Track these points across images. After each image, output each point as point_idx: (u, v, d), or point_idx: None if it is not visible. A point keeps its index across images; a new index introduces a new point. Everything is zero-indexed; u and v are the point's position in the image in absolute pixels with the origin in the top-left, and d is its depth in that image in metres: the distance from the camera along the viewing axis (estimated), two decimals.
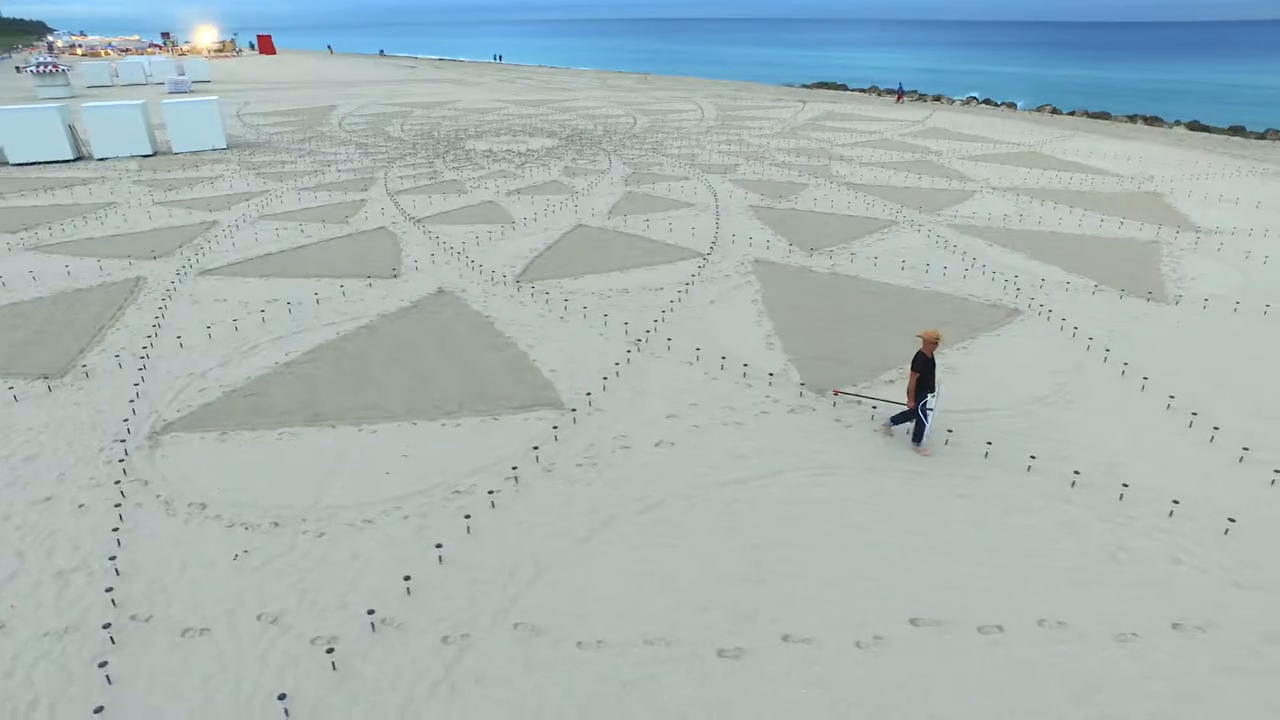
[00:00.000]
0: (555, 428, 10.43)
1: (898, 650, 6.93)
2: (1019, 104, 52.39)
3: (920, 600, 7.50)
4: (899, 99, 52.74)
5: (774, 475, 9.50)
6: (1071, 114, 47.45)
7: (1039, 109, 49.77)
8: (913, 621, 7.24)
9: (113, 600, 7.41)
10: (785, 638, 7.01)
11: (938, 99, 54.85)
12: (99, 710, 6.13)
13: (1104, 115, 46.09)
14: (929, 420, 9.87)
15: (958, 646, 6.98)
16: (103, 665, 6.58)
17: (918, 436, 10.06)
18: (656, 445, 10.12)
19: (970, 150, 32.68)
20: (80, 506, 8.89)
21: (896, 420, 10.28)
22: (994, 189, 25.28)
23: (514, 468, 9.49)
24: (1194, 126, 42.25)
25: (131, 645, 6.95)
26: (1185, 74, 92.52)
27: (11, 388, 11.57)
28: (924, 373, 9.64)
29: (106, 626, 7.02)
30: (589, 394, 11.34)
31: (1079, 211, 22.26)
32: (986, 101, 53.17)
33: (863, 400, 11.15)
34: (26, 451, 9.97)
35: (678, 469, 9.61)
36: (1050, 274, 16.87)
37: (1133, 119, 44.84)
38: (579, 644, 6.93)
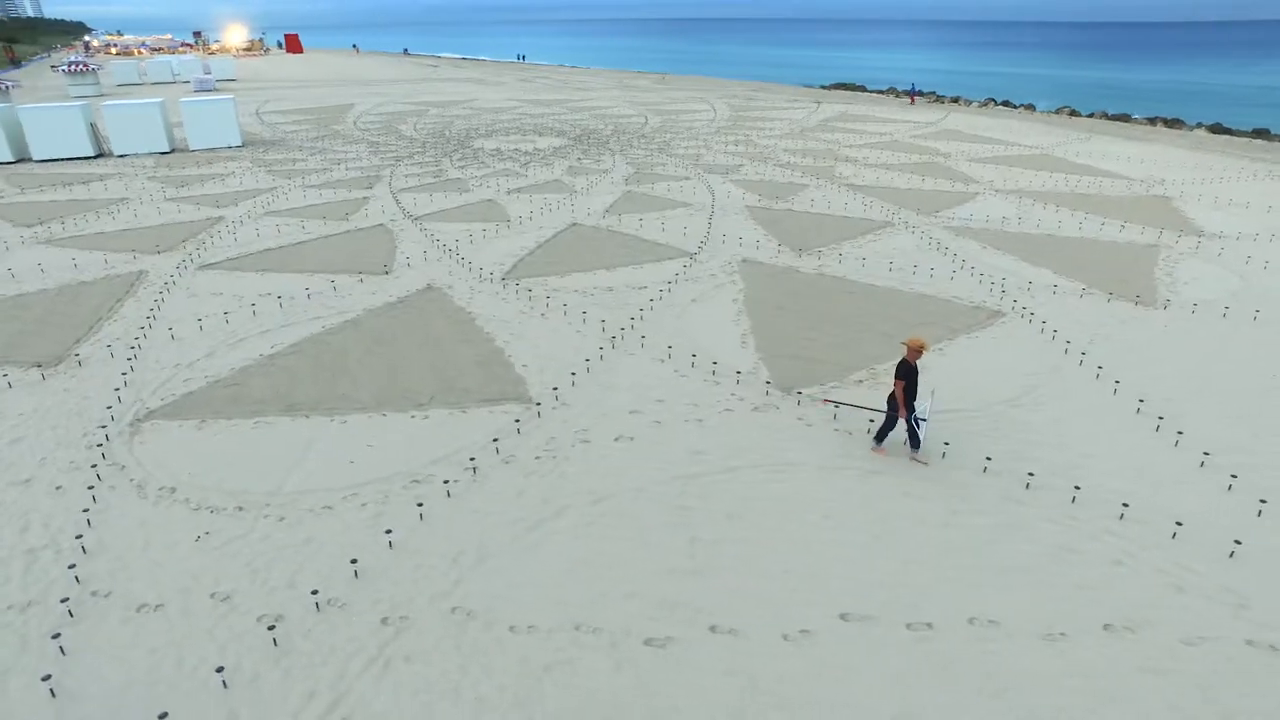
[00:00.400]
0: (517, 421, 10.68)
1: (823, 644, 7.06)
2: (1038, 106, 51.72)
3: (853, 596, 7.61)
4: (912, 100, 52.35)
5: (728, 471, 9.65)
6: (1091, 116, 46.79)
7: (1058, 111, 49.09)
8: (842, 616, 7.36)
9: (76, 577, 7.78)
10: (712, 628, 7.17)
11: (955, 100, 54.34)
12: (46, 678, 6.48)
13: (1124, 117, 45.39)
14: (923, 430, 9.78)
15: (884, 642, 7.09)
16: (56, 637, 6.93)
17: (914, 443, 9.91)
18: (616, 440, 10.31)
19: (980, 152, 32.41)
20: (58, 488, 9.30)
21: (880, 436, 10.10)
22: (997, 191, 25.09)
23: (471, 458, 9.75)
24: (1215, 129, 41.46)
25: (89, 619, 7.30)
26: (1210, 75, 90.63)
27: (5, 375, 12.08)
28: (909, 381, 9.57)
29: (64, 600, 7.38)
30: (555, 389, 11.57)
31: (1080, 214, 22.04)
32: (1005, 103, 52.55)
33: (839, 406, 11.10)
34: (13, 435, 10.44)
35: (634, 463, 9.79)
36: (1039, 277, 16.77)
37: (1153, 121, 44.11)
38: (510, 628, 7.16)
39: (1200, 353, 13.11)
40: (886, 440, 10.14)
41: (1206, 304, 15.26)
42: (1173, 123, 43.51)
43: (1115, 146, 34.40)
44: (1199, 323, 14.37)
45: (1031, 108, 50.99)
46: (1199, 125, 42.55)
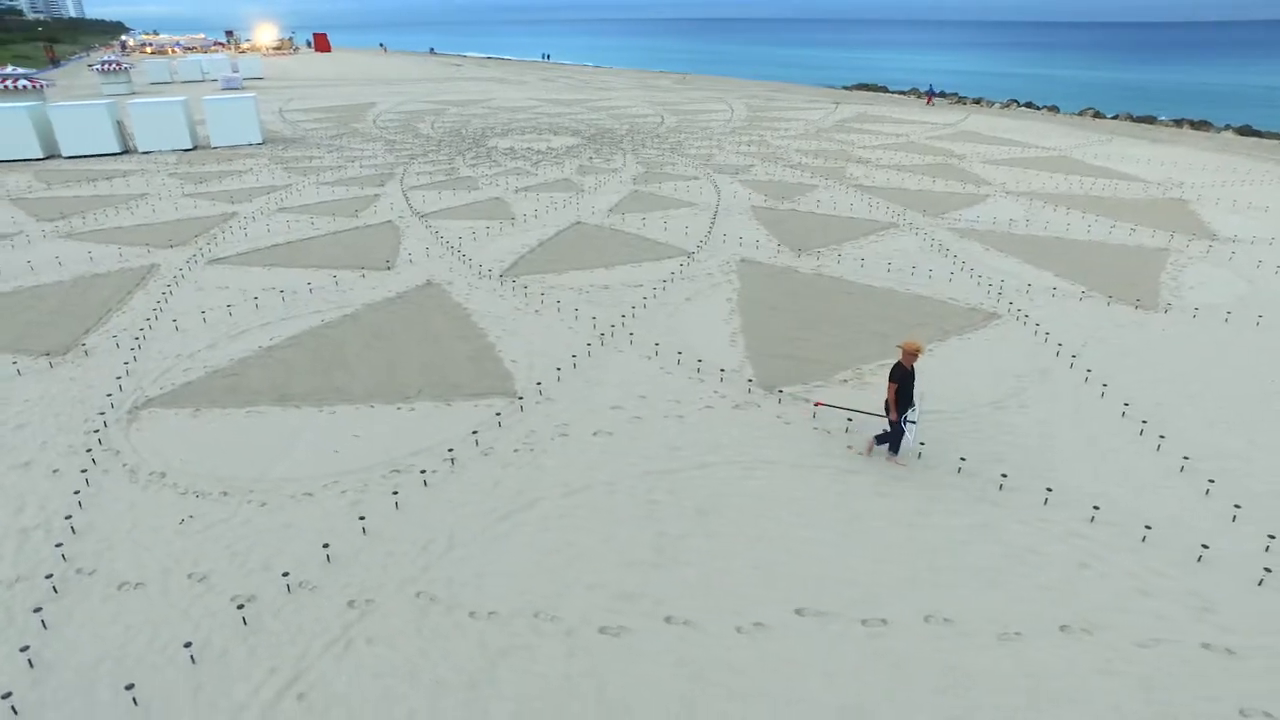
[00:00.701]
0: (499, 414, 10.87)
1: (776, 637, 7.15)
2: (1062, 107, 50.92)
3: (811, 591, 7.69)
4: (929, 101, 51.88)
5: (702, 468, 9.75)
6: (1115, 118, 46.03)
7: (1081, 113, 48.35)
8: (798, 611, 7.44)
9: (63, 555, 8.11)
10: (667, 619, 7.30)
11: (977, 102, 53.73)
12: (24, 649, 6.79)
13: (1149, 119, 44.60)
14: (910, 433, 9.63)
15: (837, 636, 7.16)
16: (37, 610, 7.25)
17: (894, 447, 9.89)
18: (595, 434, 10.47)
19: (996, 154, 32.07)
20: (55, 471, 9.67)
21: (882, 439, 9.92)
22: (1009, 193, 24.85)
23: (450, 449, 9.96)
24: (1244, 131, 40.62)
25: (72, 595, 7.62)
26: (1243, 76, 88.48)
27: (15, 363, 12.55)
28: (903, 384, 9.42)
29: (49, 577, 7.71)
30: (539, 383, 11.76)
31: (1091, 217, 21.77)
32: (1028, 105, 51.86)
33: (818, 408, 11.11)
34: (18, 420, 10.86)
35: (610, 458, 9.94)
36: (1040, 279, 16.64)
37: (1179, 123, 43.31)
38: (471, 613, 7.35)
39: (1196, 357, 12.95)
40: (903, 451, 9.86)
41: (1209, 308, 15.04)
42: (1199, 124, 42.71)
43: (1136, 149, 33.85)
44: (1199, 327, 14.18)
45: (1055, 109, 50.25)
46: (1227, 127, 41.69)
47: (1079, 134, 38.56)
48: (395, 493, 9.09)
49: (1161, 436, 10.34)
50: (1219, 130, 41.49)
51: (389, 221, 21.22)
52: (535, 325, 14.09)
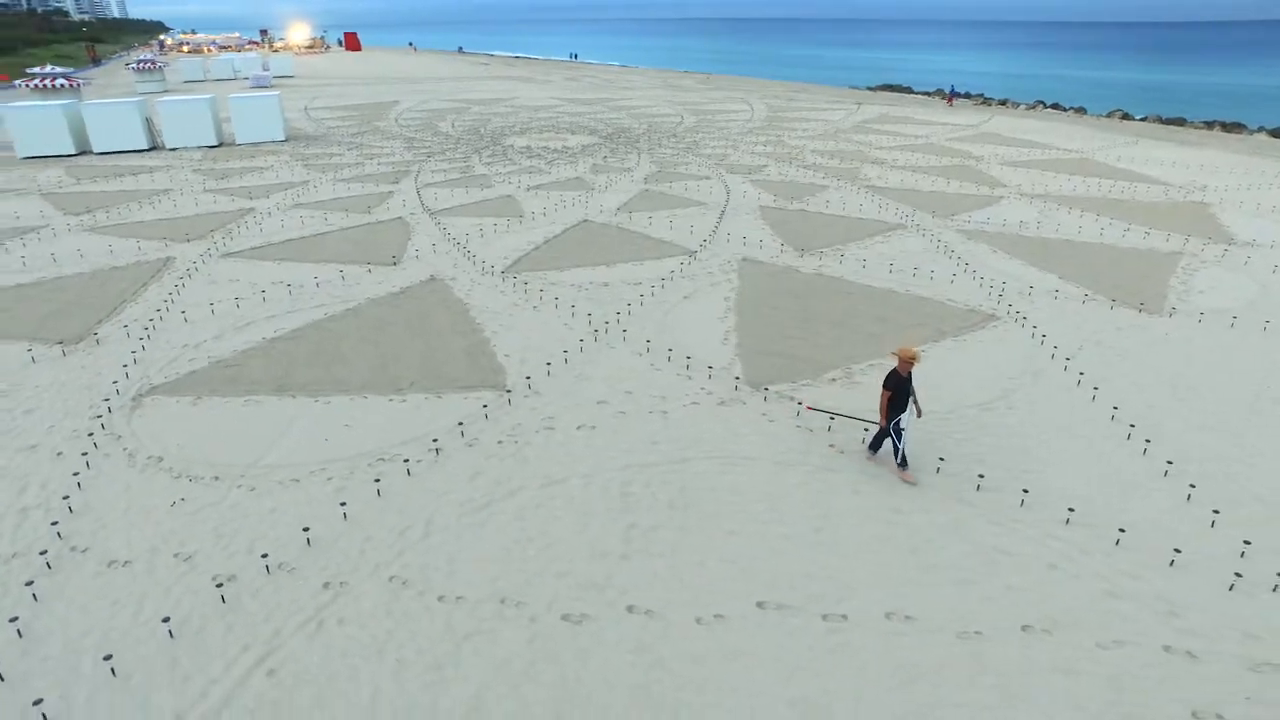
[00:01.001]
0: (485, 406, 11.10)
1: (735, 629, 7.26)
2: (1090, 109, 50.04)
3: (775, 586, 7.78)
4: (950, 102, 51.31)
5: (681, 463, 9.88)
6: (1143, 120, 45.14)
7: (1109, 114, 47.48)
8: (759, 605, 7.54)
9: (58, 533, 8.48)
10: (630, 608, 7.44)
11: (1003, 103, 52.99)
12: (13, 620, 7.15)
13: (1178, 121, 43.69)
14: (902, 441, 9.46)
15: (796, 630, 7.25)
16: (29, 584, 7.61)
17: (875, 447, 9.85)
18: (578, 428, 10.64)
19: (1015, 156, 31.67)
20: (59, 454, 10.08)
21: (875, 445, 9.91)
22: (1023, 195, 24.55)
23: (434, 440, 10.20)
24: (1278, 133, 39.59)
25: (64, 571, 7.98)
26: (1260, 78, 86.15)
27: (30, 350, 13.06)
28: (896, 391, 9.26)
29: (43, 553, 8.08)
30: (529, 378, 11.96)
31: (1105, 220, 21.46)
32: (1054, 106, 51.04)
33: (800, 410, 11.15)
34: (28, 405, 11.32)
35: (591, 451, 10.11)
36: (1043, 281, 16.47)
37: (1209, 125, 42.36)
38: (440, 597, 7.56)
39: (1195, 362, 12.76)
40: (883, 450, 9.86)
41: (1216, 313, 14.79)
42: (1231, 126, 41.73)
43: (1161, 151, 33.20)
44: (1202, 331, 13.97)
45: (1082, 111, 49.40)
46: (1260, 129, 40.70)
47: (1104, 136, 37.90)
48: (378, 480, 9.34)
49: (1148, 440, 10.25)
50: (1252, 132, 40.52)
51: (400, 218, 21.61)
52: (532, 321, 14.31)
